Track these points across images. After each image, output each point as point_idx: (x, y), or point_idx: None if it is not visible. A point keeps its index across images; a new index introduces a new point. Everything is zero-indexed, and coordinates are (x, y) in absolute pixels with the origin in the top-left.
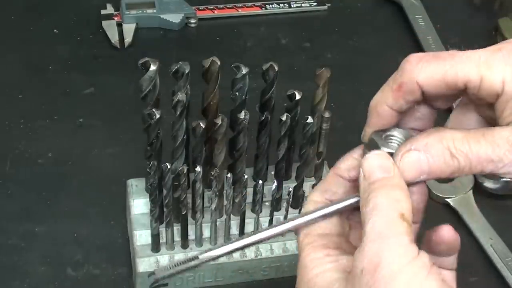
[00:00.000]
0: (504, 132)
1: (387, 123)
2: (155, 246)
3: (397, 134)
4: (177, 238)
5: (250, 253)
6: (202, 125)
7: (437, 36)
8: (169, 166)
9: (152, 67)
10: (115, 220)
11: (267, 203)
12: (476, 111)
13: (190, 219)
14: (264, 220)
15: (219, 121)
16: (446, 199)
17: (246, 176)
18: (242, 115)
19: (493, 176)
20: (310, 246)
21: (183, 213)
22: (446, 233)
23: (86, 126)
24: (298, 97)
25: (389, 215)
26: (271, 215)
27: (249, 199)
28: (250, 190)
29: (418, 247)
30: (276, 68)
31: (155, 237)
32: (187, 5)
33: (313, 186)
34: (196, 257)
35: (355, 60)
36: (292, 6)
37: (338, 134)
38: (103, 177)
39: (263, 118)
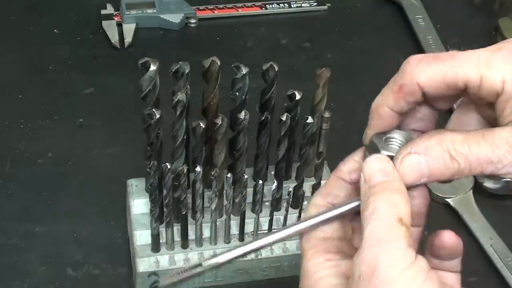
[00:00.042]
0: (504, 133)
1: (388, 125)
2: (155, 246)
3: (397, 136)
4: (177, 238)
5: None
6: (202, 125)
7: (437, 36)
8: (169, 166)
9: (152, 67)
10: (115, 220)
11: (267, 203)
12: (477, 111)
13: (190, 219)
14: (264, 220)
15: (219, 121)
16: (446, 199)
17: (246, 176)
18: (242, 115)
19: (493, 176)
20: (312, 250)
21: (183, 213)
22: (448, 238)
23: (86, 126)
24: (298, 97)
25: (388, 220)
26: (271, 215)
27: (249, 199)
28: (250, 190)
29: (421, 251)
30: (276, 68)
31: (155, 237)
32: (187, 5)
33: (313, 186)
34: (199, 265)
35: (355, 60)
36: (292, 6)
37: (338, 134)
38: (103, 177)
39: (263, 118)
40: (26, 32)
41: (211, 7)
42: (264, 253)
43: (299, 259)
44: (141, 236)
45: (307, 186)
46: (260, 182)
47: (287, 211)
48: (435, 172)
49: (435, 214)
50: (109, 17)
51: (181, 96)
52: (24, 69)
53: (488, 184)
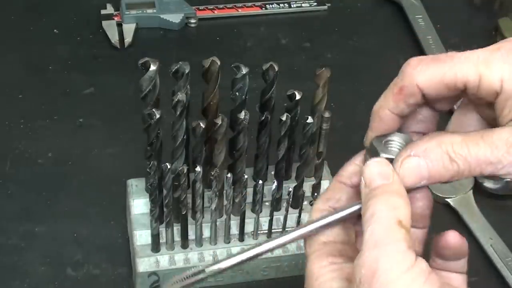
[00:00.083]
0: (503, 133)
1: (389, 127)
2: (155, 246)
3: (397, 139)
4: (177, 238)
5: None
6: (202, 125)
7: (437, 36)
8: (169, 166)
9: (152, 67)
10: (115, 220)
11: (267, 203)
12: (477, 111)
13: (190, 219)
14: (264, 220)
15: (219, 121)
16: (446, 199)
17: (246, 176)
18: (242, 115)
19: (493, 177)
20: (315, 254)
21: (183, 213)
22: (452, 238)
23: (86, 126)
24: (298, 97)
25: (387, 222)
26: (271, 215)
27: (249, 199)
28: (250, 190)
29: (426, 252)
30: (276, 68)
31: (155, 237)
32: (187, 5)
33: (313, 186)
34: (202, 271)
35: (355, 60)
36: (292, 6)
37: (338, 134)
38: (103, 177)
39: (263, 118)
40: (26, 32)
41: (211, 7)
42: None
43: (299, 259)
44: (141, 236)
45: (307, 186)
46: (260, 182)
47: (287, 211)
48: (434, 174)
49: (435, 214)
50: (109, 17)
51: (181, 96)
52: (24, 69)
53: (488, 184)
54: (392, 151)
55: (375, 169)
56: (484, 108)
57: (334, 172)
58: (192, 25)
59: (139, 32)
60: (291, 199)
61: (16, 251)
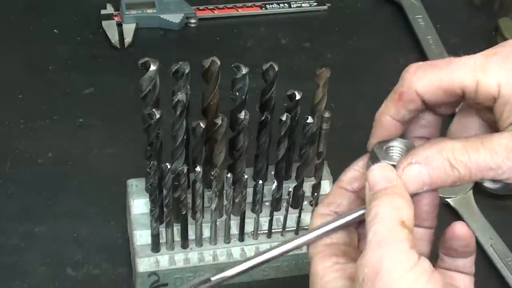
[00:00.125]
0: (502, 139)
1: (391, 133)
2: (155, 246)
3: (398, 145)
4: (177, 238)
5: (250, 253)
6: (202, 125)
7: (437, 36)
8: (169, 166)
9: (152, 67)
10: (115, 220)
11: (267, 203)
12: (478, 115)
13: (190, 219)
14: (264, 220)
15: (219, 121)
16: (446, 199)
17: (246, 176)
18: (242, 115)
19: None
20: (319, 256)
21: (183, 213)
22: (459, 229)
23: (86, 126)
24: (298, 97)
25: (390, 223)
26: (271, 215)
27: (249, 199)
28: (250, 190)
29: (432, 254)
30: (276, 68)
31: (155, 237)
32: (187, 5)
33: (313, 186)
34: (208, 280)
35: (355, 60)
36: (292, 6)
37: (338, 134)
38: (103, 177)
39: (263, 118)
40: (26, 32)
41: (211, 7)
42: None
43: (299, 259)
44: (141, 236)
45: (307, 186)
46: (260, 182)
47: (287, 211)
48: (436, 180)
49: None
50: (109, 17)
51: (181, 96)
52: (24, 69)
53: (488, 184)
54: (393, 157)
55: (379, 173)
56: (485, 112)
57: (334, 172)
58: (192, 25)
59: (139, 32)
60: (291, 199)
61: (16, 251)
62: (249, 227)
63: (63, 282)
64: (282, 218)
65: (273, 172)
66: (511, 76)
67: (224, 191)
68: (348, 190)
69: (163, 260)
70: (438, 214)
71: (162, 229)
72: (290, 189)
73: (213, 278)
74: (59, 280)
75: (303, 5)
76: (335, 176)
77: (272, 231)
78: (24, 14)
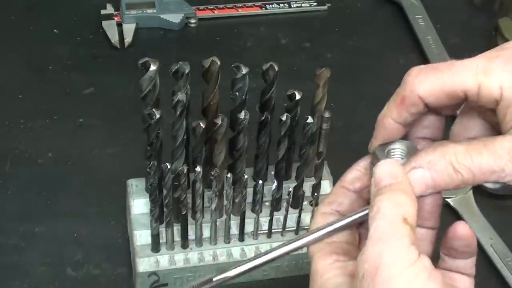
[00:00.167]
0: (505, 142)
1: (392, 136)
2: (155, 246)
3: (399, 146)
4: (177, 238)
5: (250, 253)
6: (202, 125)
7: (437, 36)
8: (169, 166)
9: (152, 67)
10: (115, 220)
11: (267, 203)
12: (480, 116)
13: (190, 219)
14: (264, 220)
15: (219, 121)
16: (446, 199)
17: (246, 176)
18: (242, 115)
19: None
20: (319, 253)
21: (183, 213)
22: (461, 229)
23: (86, 126)
24: (298, 97)
25: (392, 219)
26: (271, 215)
27: (249, 199)
28: (250, 190)
29: (434, 255)
30: (276, 68)
31: (155, 237)
32: (187, 5)
33: (313, 186)
34: (209, 280)
35: (355, 60)
36: (292, 6)
37: (338, 134)
38: (103, 177)
39: (263, 118)
40: (26, 32)
41: (211, 7)
42: None
43: (299, 259)
44: (141, 236)
45: (307, 186)
46: (260, 182)
47: (287, 211)
48: (440, 184)
49: None
50: (109, 17)
51: (181, 96)
52: (24, 69)
53: (488, 184)
54: (394, 159)
55: (385, 169)
56: (487, 113)
57: (334, 172)
58: (192, 25)
59: (139, 32)
60: (291, 199)
61: (16, 251)
62: (249, 227)
63: (63, 282)
64: (282, 218)
65: (273, 172)
66: None
67: (224, 191)
68: (350, 190)
69: (163, 260)
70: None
71: (162, 229)
72: (290, 189)
73: (214, 279)
74: (59, 280)
75: (303, 5)
76: (335, 176)
77: (272, 231)
78: (24, 14)
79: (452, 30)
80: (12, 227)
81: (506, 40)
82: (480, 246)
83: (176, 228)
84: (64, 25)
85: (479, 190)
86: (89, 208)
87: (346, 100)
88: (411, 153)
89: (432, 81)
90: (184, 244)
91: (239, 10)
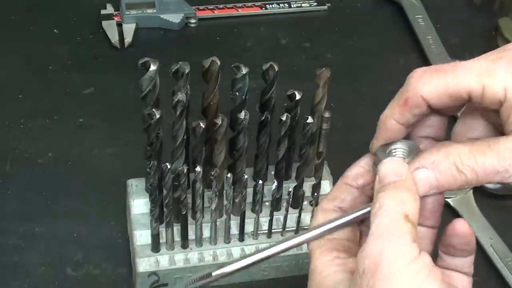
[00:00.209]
0: (509, 143)
1: (394, 136)
2: (155, 246)
3: (401, 146)
4: (177, 238)
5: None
6: (202, 125)
7: (437, 36)
8: (169, 166)
9: (152, 67)
10: (115, 220)
11: (267, 203)
12: (482, 117)
13: (190, 219)
14: (264, 220)
15: (219, 121)
16: (446, 199)
17: (246, 176)
18: (242, 115)
19: None
20: (320, 250)
21: (183, 213)
22: (460, 226)
23: (86, 126)
24: (298, 97)
25: (394, 216)
26: (271, 215)
27: (249, 199)
28: (250, 190)
29: (433, 253)
30: (276, 68)
31: (155, 237)
32: (187, 5)
33: (313, 186)
34: (208, 275)
35: (355, 60)
36: (292, 6)
37: (338, 134)
38: (103, 177)
39: (263, 118)
40: (26, 32)
41: (211, 7)
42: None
43: (299, 259)
44: (141, 236)
45: (307, 186)
46: (260, 182)
47: (287, 211)
48: (443, 184)
49: None
50: (109, 17)
51: (181, 96)
52: (24, 69)
53: (488, 184)
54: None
55: (390, 166)
56: (490, 113)
57: (334, 172)
58: (192, 25)
59: (139, 32)
60: (291, 199)
61: (16, 251)
62: (249, 227)
63: (63, 282)
64: (282, 218)
65: (273, 172)
66: None
67: (224, 191)
68: (353, 186)
69: (163, 260)
70: None
71: (162, 229)
72: (290, 189)
73: (214, 273)
74: (59, 280)
75: (303, 5)
76: (335, 176)
77: (272, 231)
78: (24, 14)
79: (452, 30)
80: (12, 227)
81: (506, 40)
82: (480, 246)
83: (176, 228)
84: (64, 25)
85: (479, 190)
86: (89, 208)
87: (346, 100)
88: (413, 152)
89: (435, 82)
90: (184, 244)
91: (239, 10)
